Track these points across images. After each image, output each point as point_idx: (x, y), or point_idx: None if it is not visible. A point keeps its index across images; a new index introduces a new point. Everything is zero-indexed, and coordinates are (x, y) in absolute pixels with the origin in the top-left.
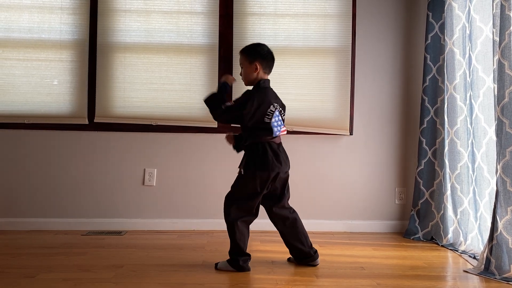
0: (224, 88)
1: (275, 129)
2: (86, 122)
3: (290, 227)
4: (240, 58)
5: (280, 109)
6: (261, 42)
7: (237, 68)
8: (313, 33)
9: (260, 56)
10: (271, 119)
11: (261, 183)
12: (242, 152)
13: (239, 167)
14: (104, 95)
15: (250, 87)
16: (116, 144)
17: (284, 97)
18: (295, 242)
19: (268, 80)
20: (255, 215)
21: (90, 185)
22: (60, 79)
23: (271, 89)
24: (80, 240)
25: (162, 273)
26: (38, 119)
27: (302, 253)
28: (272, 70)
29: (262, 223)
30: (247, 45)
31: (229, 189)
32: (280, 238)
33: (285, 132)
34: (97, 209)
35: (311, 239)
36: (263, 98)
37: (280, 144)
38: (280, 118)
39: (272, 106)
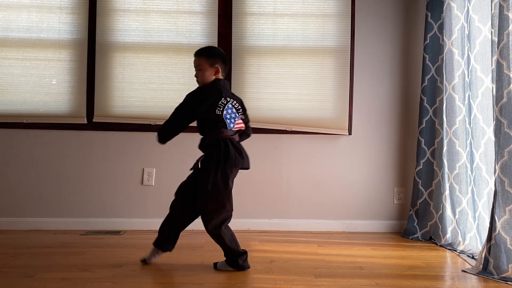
0: None
1: (227, 121)
2: (85, 121)
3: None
4: (196, 60)
5: (238, 105)
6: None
7: (236, 68)
8: (312, 33)
9: (221, 59)
10: (222, 111)
11: (230, 179)
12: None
13: (197, 167)
14: (103, 95)
15: None
16: (114, 143)
17: (283, 97)
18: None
19: (223, 80)
20: (231, 211)
21: (88, 184)
22: (58, 78)
23: (228, 88)
24: (79, 240)
25: (160, 272)
26: (37, 118)
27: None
28: (272, 70)
29: (260, 222)
30: (202, 48)
31: (202, 203)
32: (279, 238)
33: (242, 127)
34: (96, 209)
35: (309, 239)
36: (210, 92)
37: (239, 141)
38: (234, 111)
39: (223, 99)
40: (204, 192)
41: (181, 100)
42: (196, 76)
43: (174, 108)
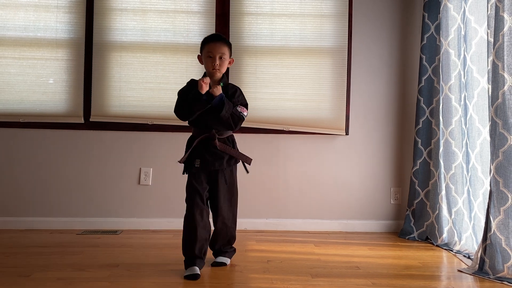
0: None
1: None
2: (82, 121)
3: None
4: (222, 48)
5: None
6: None
7: (233, 68)
8: (310, 33)
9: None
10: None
11: None
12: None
13: (225, 168)
14: (100, 94)
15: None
16: (111, 143)
17: (280, 97)
18: None
19: None
20: None
21: (85, 184)
22: (55, 77)
23: None
24: (76, 239)
25: (157, 272)
26: (34, 118)
27: None
28: (269, 70)
29: (257, 222)
30: (221, 35)
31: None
32: (276, 238)
33: None
34: (93, 208)
35: (306, 238)
36: None
37: None
38: None
39: None
40: (234, 187)
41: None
42: (215, 64)
43: (243, 98)
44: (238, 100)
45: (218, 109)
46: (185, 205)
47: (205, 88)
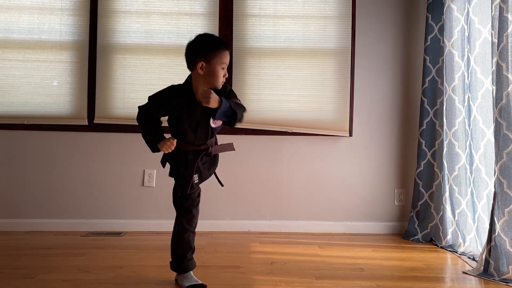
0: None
1: None
2: (86, 123)
3: None
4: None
5: None
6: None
7: (236, 69)
8: (313, 35)
9: None
10: None
11: None
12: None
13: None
14: (104, 96)
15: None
16: (115, 145)
17: (283, 99)
18: None
19: None
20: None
21: (89, 186)
22: (60, 80)
23: None
24: (80, 241)
25: (161, 274)
26: (38, 120)
27: None
28: (272, 71)
29: (261, 224)
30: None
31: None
32: (280, 240)
33: None
34: (97, 210)
35: (310, 240)
36: None
37: None
38: None
39: None
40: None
41: None
42: (225, 75)
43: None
44: (233, 96)
45: (232, 119)
46: None
47: (167, 151)
